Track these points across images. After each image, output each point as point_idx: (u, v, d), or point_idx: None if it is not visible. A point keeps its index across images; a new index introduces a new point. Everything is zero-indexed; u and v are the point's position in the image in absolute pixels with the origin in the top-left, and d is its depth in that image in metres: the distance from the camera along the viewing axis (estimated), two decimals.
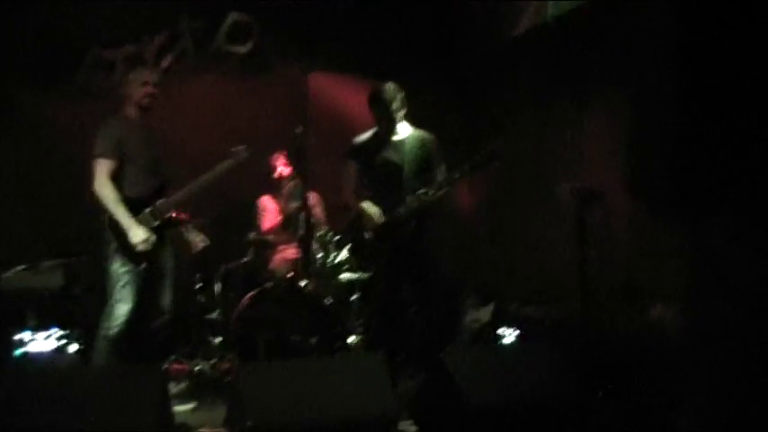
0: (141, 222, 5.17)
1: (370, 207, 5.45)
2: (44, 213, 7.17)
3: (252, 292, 5.82)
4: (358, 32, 7.98)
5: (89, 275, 6.50)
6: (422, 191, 5.33)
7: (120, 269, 5.10)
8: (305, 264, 6.34)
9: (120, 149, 5.15)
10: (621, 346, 5.46)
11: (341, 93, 7.69)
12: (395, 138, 5.55)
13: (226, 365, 5.94)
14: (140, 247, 5.06)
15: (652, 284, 5.32)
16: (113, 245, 5.12)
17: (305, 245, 6.54)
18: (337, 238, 6.51)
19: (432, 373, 4.49)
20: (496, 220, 7.65)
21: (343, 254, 6.50)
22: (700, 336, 2.47)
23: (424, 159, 5.48)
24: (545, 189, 6.42)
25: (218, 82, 7.84)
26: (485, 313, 6.69)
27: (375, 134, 5.62)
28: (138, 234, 5.05)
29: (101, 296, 5.38)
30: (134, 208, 5.16)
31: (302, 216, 6.13)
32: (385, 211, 5.42)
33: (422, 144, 5.51)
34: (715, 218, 2.45)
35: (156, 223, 5.20)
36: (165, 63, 7.75)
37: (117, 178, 5.16)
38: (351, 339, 6.00)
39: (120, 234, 5.09)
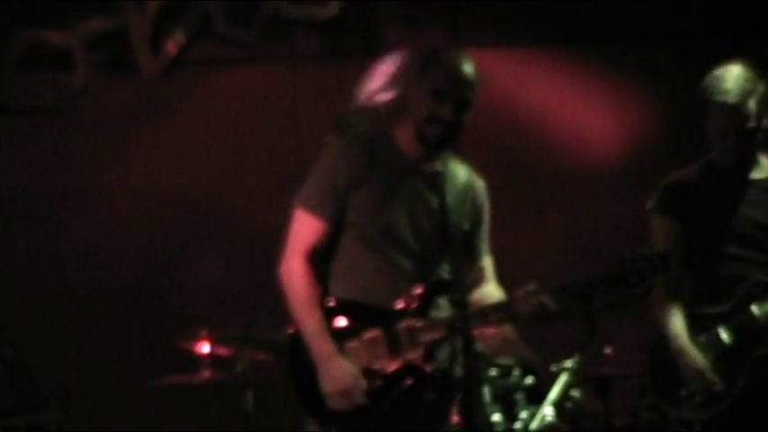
0: (382, 351, 3.04)
1: (694, 353, 3.55)
2: None
3: None
4: None
5: None
6: None
7: None
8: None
9: (339, 202, 3.07)
10: None
11: (508, 75, 5.31)
12: (754, 176, 3.74)
13: None
14: (332, 403, 2.94)
15: None
16: (295, 387, 3.18)
17: None
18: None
19: None
20: None
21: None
22: None
23: None
24: None
25: (283, 74, 5.54)
26: None
27: (708, 168, 3.79)
28: (344, 373, 2.93)
29: None
30: (372, 318, 3.15)
31: None
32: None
33: None
34: None
35: (433, 366, 2.96)
36: (171, 48, 5.24)
37: (331, 255, 3.20)
38: None
39: (306, 367, 3.10)
